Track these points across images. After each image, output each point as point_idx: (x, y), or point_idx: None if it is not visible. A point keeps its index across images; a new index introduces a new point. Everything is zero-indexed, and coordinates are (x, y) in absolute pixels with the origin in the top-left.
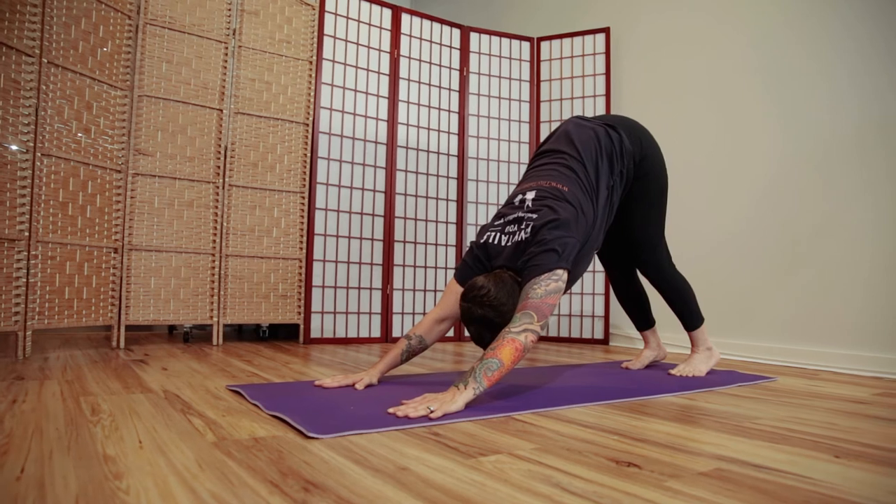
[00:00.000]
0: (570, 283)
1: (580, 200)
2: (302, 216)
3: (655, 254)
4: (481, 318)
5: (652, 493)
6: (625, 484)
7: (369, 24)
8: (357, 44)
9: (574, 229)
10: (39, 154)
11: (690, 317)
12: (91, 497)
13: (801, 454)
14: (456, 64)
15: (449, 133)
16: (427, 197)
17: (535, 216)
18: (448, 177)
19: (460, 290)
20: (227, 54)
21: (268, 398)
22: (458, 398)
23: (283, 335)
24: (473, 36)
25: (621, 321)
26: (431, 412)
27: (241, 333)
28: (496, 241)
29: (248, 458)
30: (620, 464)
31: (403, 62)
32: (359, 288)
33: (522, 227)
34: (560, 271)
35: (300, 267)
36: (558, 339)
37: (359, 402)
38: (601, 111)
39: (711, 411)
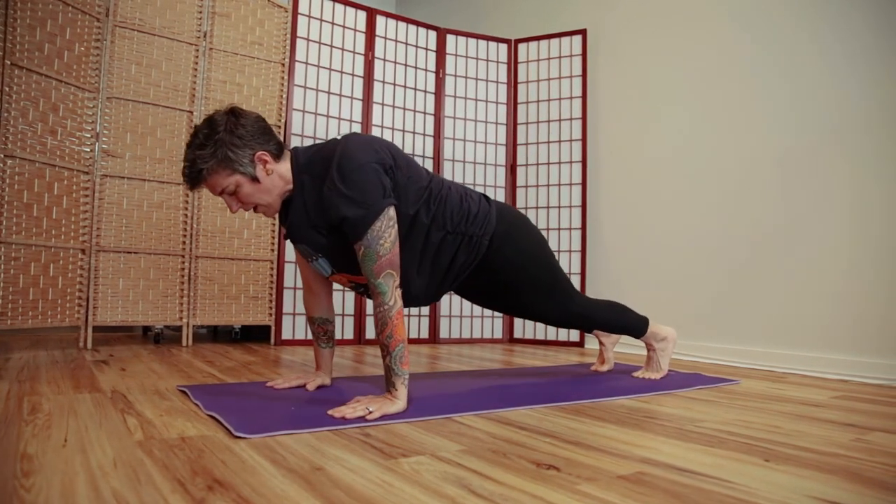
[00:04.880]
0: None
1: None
2: (274, 218)
3: (568, 313)
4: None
5: (559, 496)
6: (536, 486)
7: (343, 27)
8: (331, 46)
9: (373, 149)
10: (2, 155)
11: (633, 329)
12: None
13: (731, 458)
14: (432, 66)
15: (424, 135)
16: None
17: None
18: None
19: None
20: (197, 56)
21: (211, 398)
22: (397, 399)
23: (257, 337)
24: (450, 38)
25: None
26: (369, 413)
27: (217, 335)
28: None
29: (167, 457)
30: (541, 466)
31: (378, 64)
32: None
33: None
34: (391, 211)
35: (272, 268)
36: (534, 342)
37: (303, 403)
38: (577, 113)
39: (658, 414)
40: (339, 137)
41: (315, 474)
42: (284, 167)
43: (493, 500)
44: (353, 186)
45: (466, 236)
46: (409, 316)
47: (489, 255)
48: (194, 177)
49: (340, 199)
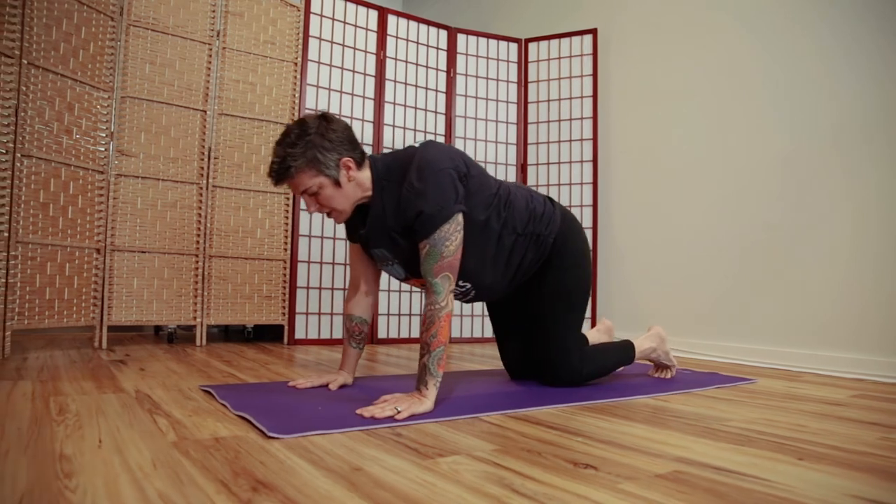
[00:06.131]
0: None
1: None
2: (286, 217)
3: (570, 346)
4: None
5: (602, 495)
6: (577, 486)
7: (355, 26)
8: (343, 45)
9: (449, 157)
10: (19, 155)
11: (623, 363)
12: (36, 495)
13: (764, 456)
14: (443, 65)
15: (435, 135)
16: None
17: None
18: None
19: (357, 247)
20: (211, 55)
21: (237, 398)
22: (426, 398)
23: (269, 336)
24: (461, 37)
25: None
26: (398, 412)
27: (228, 334)
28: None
29: (205, 458)
30: (578, 465)
31: (390, 63)
32: (344, 289)
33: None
34: (459, 217)
35: (285, 268)
36: None
37: (328, 403)
38: (588, 112)
39: (683, 413)
40: (416, 145)
41: (356, 475)
42: (365, 175)
43: (538, 499)
44: (429, 187)
45: (535, 235)
46: (418, 316)
47: (553, 251)
48: (282, 173)
49: (417, 197)
